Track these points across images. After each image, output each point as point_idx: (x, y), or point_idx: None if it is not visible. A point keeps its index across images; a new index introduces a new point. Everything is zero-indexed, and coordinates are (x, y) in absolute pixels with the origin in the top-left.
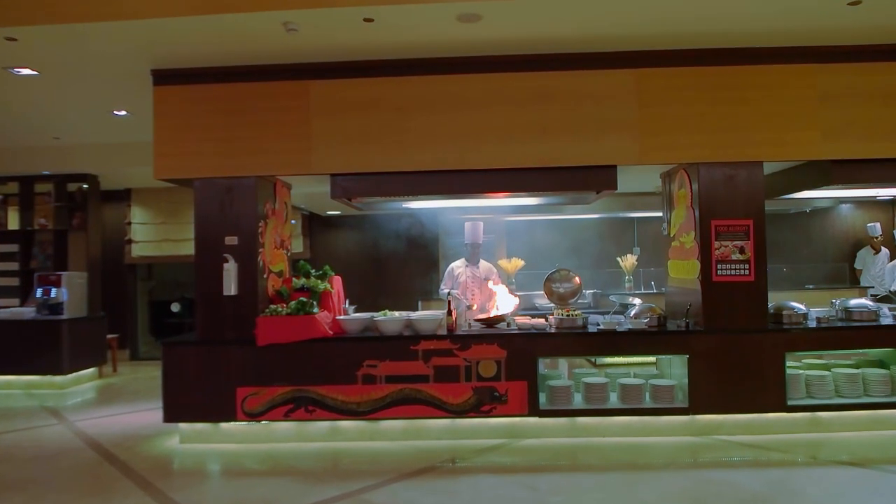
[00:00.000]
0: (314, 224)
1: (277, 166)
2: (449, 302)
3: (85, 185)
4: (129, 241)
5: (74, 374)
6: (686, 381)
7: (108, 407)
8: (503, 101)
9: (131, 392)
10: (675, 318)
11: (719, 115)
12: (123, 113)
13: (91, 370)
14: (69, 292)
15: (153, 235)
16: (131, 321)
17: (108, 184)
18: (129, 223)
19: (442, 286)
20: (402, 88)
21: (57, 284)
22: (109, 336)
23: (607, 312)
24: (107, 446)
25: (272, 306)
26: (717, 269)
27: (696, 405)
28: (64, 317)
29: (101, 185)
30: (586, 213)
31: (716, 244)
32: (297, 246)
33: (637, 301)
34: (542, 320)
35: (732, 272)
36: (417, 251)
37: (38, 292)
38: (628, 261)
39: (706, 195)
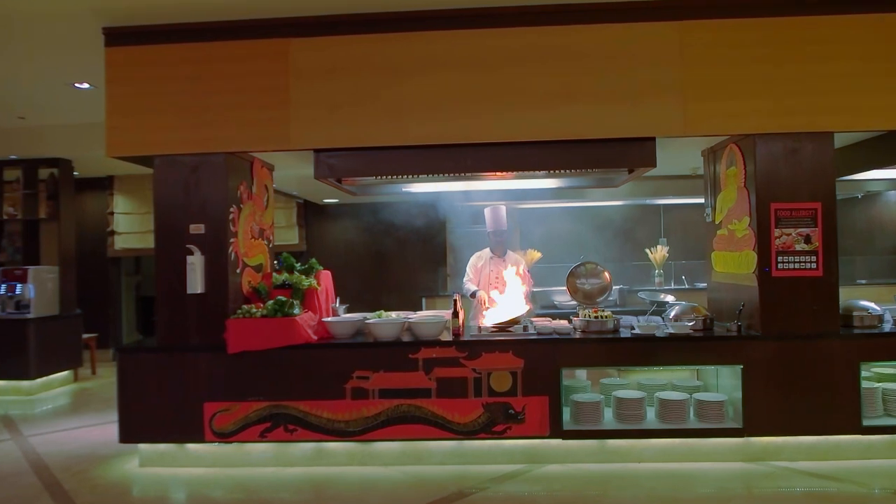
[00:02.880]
0: (310, 213)
1: (250, 141)
2: (455, 301)
3: (55, 170)
4: (112, 233)
5: (44, 379)
6: (739, 395)
7: (73, 417)
8: (520, 62)
9: (104, 399)
10: (722, 321)
11: (781, 76)
12: (86, 86)
13: (64, 374)
14: (37, 288)
15: (138, 226)
16: (115, 319)
17: (87, 170)
18: (112, 213)
19: (466, 282)
20: (399, 47)
21: (23, 280)
22: (87, 336)
23: (643, 312)
24: (54, 470)
25: (245, 307)
26: (777, 262)
27: (752, 425)
28: (31, 315)
29: (80, 171)
30: (608, 200)
31: (776, 232)
32: (292, 237)
33: (670, 298)
34: (564, 322)
35: (796, 265)
36: (423, 243)
37: (2, 289)
38: (658, 253)
39: (764, 173)
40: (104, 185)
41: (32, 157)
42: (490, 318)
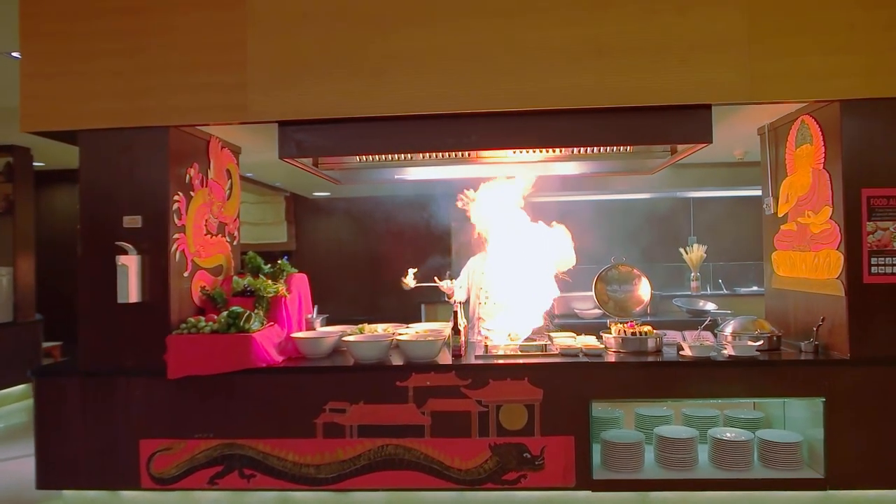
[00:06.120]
0: (300, 208)
1: (198, 111)
2: (455, 314)
3: (10, 159)
4: None
5: None
6: (818, 435)
7: (14, 443)
8: (537, 9)
9: None
10: (789, 338)
11: (878, 23)
12: None
13: (20, 388)
14: None
15: None
16: None
17: (54, 161)
18: None
19: (457, 291)
20: None
21: None
22: (49, 344)
23: (680, 323)
24: None
25: (192, 319)
26: (870, 265)
27: (836, 474)
28: None
29: (46, 162)
30: (631, 193)
31: (868, 226)
32: (280, 234)
33: (711, 306)
34: (591, 339)
35: (895, 269)
36: (424, 242)
37: None
38: (694, 253)
39: (853, 151)
40: (76, 177)
41: None
42: (494, 330)
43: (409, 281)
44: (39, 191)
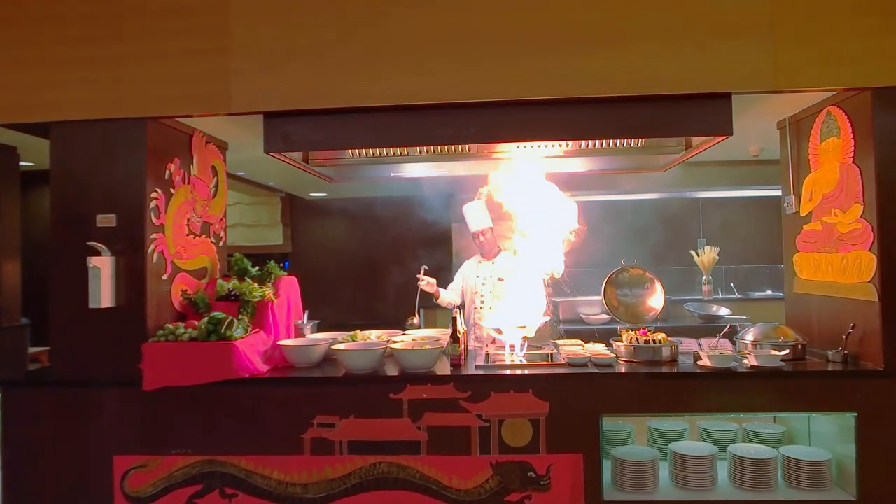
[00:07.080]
0: (296, 210)
1: (177, 102)
2: (454, 320)
3: None
4: None
5: None
6: (849, 452)
7: None
8: None
9: None
10: (813, 346)
11: None
12: None
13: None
14: None
15: None
16: None
17: (46, 161)
18: None
19: (445, 294)
20: None
21: None
22: (35, 349)
23: (692, 329)
24: None
25: (170, 326)
26: None
27: (870, 496)
28: None
29: (38, 163)
30: (637, 193)
31: None
32: (276, 237)
33: (724, 311)
34: (600, 347)
35: None
36: (425, 244)
37: None
38: (707, 255)
39: (888, 143)
40: None
41: None
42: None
43: (415, 321)
44: (29, 191)
